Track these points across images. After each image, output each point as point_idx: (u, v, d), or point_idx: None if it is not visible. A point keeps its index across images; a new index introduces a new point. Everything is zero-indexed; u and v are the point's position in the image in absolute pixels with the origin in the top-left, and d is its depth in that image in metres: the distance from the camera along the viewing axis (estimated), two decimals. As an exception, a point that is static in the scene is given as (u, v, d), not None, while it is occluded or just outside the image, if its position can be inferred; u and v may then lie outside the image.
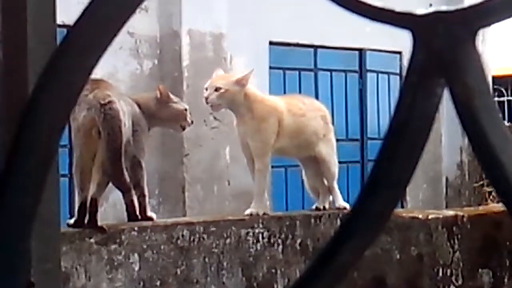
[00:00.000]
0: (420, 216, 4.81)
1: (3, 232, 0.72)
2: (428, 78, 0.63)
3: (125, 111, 4.45)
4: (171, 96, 4.93)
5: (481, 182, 10.86)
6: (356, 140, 10.35)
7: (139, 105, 4.73)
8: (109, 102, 4.31)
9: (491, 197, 10.33)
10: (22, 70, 0.98)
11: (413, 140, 0.64)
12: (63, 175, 7.23)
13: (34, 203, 0.71)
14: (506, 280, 4.95)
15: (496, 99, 12.15)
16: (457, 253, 4.76)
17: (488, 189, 10.60)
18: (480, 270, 4.86)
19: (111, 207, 6.80)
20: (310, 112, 5.17)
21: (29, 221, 0.72)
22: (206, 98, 4.83)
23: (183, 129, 5.08)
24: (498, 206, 7.28)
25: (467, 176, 11.12)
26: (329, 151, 5.23)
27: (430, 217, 4.77)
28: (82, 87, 0.74)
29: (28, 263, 0.87)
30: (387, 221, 0.65)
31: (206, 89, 4.84)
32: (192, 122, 5.02)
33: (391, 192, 0.64)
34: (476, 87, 0.63)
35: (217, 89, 4.79)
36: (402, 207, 10.57)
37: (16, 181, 0.70)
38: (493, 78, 11.63)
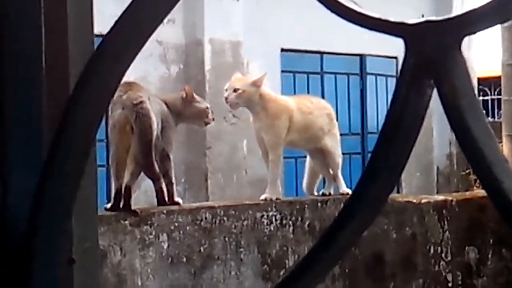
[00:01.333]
0: (414, 201, 4.81)
1: (48, 214, 0.72)
2: (419, 79, 0.63)
3: (155, 110, 4.46)
4: (195, 96, 4.93)
5: (468, 171, 10.82)
6: (358, 134, 10.34)
7: (167, 104, 4.73)
8: (141, 102, 4.32)
9: (476, 184, 10.29)
10: (63, 74, 0.98)
11: (407, 132, 0.64)
12: (101, 166, 7.26)
13: (73, 189, 0.71)
14: (489, 256, 4.94)
15: (481, 98, 12.12)
16: (447, 233, 4.75)
17: (474, 177, 10.56)
18: (466, 247, 4.85)
19: (143, 194, 6.82)
20: (317, 110, 5.18)
21: (69, 205, 0.72)
22: (226, 98, 4.83)
23: (206, 125, 5.09)
24: (483, 192, 7.26)
25: (455, 166, 11.10)
26: (333, 144, 5.23)
27: (422, 201, 4.76)
28: (115, 88, 0.74)
29: (69, 241, 0.87)
30: (384, 203, 0.65)
31: (226, 90, 4.85)
32: (213, 119, 5.02)
33: (387, 177, 0.64)
34: (462, 87, 0.63)
35: (235, 90, 4.79)
36: (398, 192, 10.54)
37: (58, 170, 0.70)
38: (478, 79, 11.59)
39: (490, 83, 12.47)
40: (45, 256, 0.79)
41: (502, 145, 10.04)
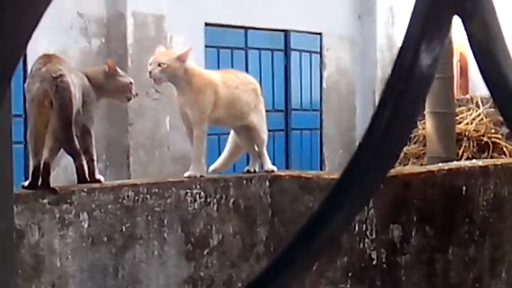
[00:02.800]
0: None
1: None
2: (438, 14, 0.52)
3: (76, 84, 4.30)
4: (118, 70, 4.79)
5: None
6: (281, 111, 10.32)
7: (88, 78, 4.58)
8: (60, 75, 4.16)
9: (398, 161, 10.39)
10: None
11: (421, 82, 0.53)
12: (19, 142, 7.03)
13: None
14: (413, 234, 4.95)
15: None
16: (371, 210, 4.73)
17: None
18: (391, 225, 4.84)
19: (63, 171, 6.64)
20: (242, 85, 5.08)
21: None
22: (150, 72, 4.69)
23: (129, 100, 4.95)
24: (408, 168, 7.33)
25: (377, 143, 11.17)
26: (259, 120, 5.16)
27: (348, 179, 4.72)
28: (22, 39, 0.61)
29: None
30: (396, 160, 0.54)
31: (150, 64, 4.70)
32: (136, 94, 4.89)
33: (382, 163, 0.54)
34: (493, 26, 0.52)
35: (160, 65, 4.66)
36: (321, 169, 10.59)
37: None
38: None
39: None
40: None
41: (424, 122, 10.17)
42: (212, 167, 5.23)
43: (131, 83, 4.78)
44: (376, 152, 0.56)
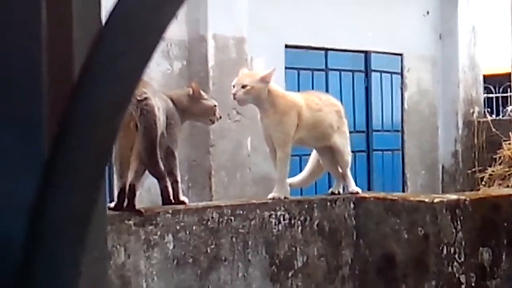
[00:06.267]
0: (426, 200, 4.64)
1: (50, 237, 0.55)
2: None
3: (160, 107, 4.31)
4: (202, 93, 4.79)
5: (473, 169, 10.69)
6: (363, 132, 10.19)
7: (172, 101, 4.59)
8: (145, 98, 4.17)
9: (483, 182, 10.14)
10: (67, 58, 0.82)
11: None
12: (104, 164, 7.10)
13: (88, 202, 0.54)
14: (504, 257, 4.79)
15: (486, 95, 11.96)
16: (460, 233, 4.59)
17: (480, 175, 10.42)
18: (480, 248, 4.69)
19: (146, 192, 6.67)
20: (326, 107, 5.02)
21: (82, 226, 0.56)
22: (234, 94, 4.67)
23: (213, 123, 4.94)
24: (497, 190, 7.12)
25: (460, 164, 10.94)
26: (343, 141, 5.09)
27: (435, 200, 4.60)
28: (139, 68, 0.57)
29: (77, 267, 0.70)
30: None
31: (234, 86, 4.68)
32: (220, 117, 4.88)
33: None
34: None
35: (243, 86, 4.63)
36: (403, 191, 10.41)
37: (61, 178, 0.54)
38: (484, 77, 11.44)
39: (495, 81, 12.32)
40: (51, 272, 0.62)
41: (509, 143, 9.89)
42: (290, 180, 5.13)
43: (215, 105, 4.77)
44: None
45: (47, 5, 0.95)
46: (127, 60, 0.59)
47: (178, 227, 4.25)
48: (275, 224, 4.63)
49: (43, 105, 0.69)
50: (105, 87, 0.58)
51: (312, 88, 8.84)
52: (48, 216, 0.53)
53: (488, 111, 11.86)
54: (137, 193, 4.32)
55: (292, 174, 5.11)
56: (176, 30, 8.20)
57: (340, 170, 5.13)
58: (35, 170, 0.59)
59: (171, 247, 4.22)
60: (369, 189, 9.59)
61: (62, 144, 0.56)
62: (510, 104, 10.64)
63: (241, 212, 4.50)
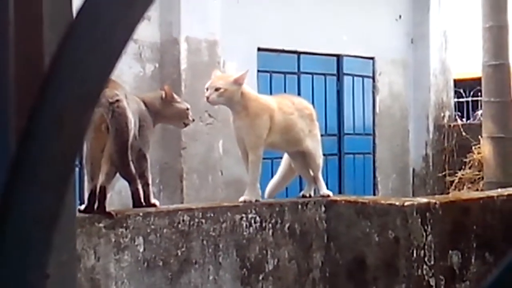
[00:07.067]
0: (397, 203, 4.66)
1: (19, 225, 0.55)
2: None
3: (132, 109, 4.29)
4: (175, 96, 4.78)
5: (444, 173, 10.76)
6: (334, 135, 10.23)
7: (145, 104, 4.58)
8: (117, 100, 4.15)
9: (453, 186, 10.22)
10: (36, 55, 0.81)
11: None
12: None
13: (57, 195, 0.54)
14: (473, 260, 4.82)
15: (457, 100, 12.04)
16: (430, 236, 4.61)
17: (450, 179, 10.50)
18: (450, 251, 4.72)
19: (117, 194, 6.63)
20: (298, 111, 5.03)
21: (52, 216, 0.55)
22: (207, 97, 4.65)
23: (185, 126, 4.94)
24: (467, 194, 7.18)
25: (431, 168, 11.02)
26: (315, 145, 5.10)
27: (405, 204, 4.62)
28: (109, 63, 0.56)
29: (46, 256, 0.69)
30: None
31: (207, 89, 4.66)
32: (193, 120, 4.88)
33: None
34: None
35: (217, 89, 4.62)
36: (374, 194, 10.45)
37: (28, 170, 0.53)
38: (455, 81, 11.53)
39: (465, 85, 12.42)
40: (16, 274, 0.61)
41: (479, 147, 9.98)
42: (267, 192, 5.17)
43: (187, 108, 4.76)
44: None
45: (15, 5, 0.94)
46: (95, 57, 0.58)
47: (148, 230, 4.24)
48: (246, 227, 4.63)
49: (8, 101, 0.68)
50: (73, 83, 0.57)
51: (285, 91, 8.85)
52: (13, 214, 0.52)
53: (458, 115, 11.96)
54: (108, 196, 4.30)
55: (263, 177, 5.11)
56: (149, 32, 8.17)
57: (311, 173, 5.13)
58: (1, 166, 0.58)
59: (141, 250, 4.20)
60: (340, 192, 9.62)
61: (29, 141, 0.55)
62: (480, 109, 10.71)
63: (212, 215, 4.49)
